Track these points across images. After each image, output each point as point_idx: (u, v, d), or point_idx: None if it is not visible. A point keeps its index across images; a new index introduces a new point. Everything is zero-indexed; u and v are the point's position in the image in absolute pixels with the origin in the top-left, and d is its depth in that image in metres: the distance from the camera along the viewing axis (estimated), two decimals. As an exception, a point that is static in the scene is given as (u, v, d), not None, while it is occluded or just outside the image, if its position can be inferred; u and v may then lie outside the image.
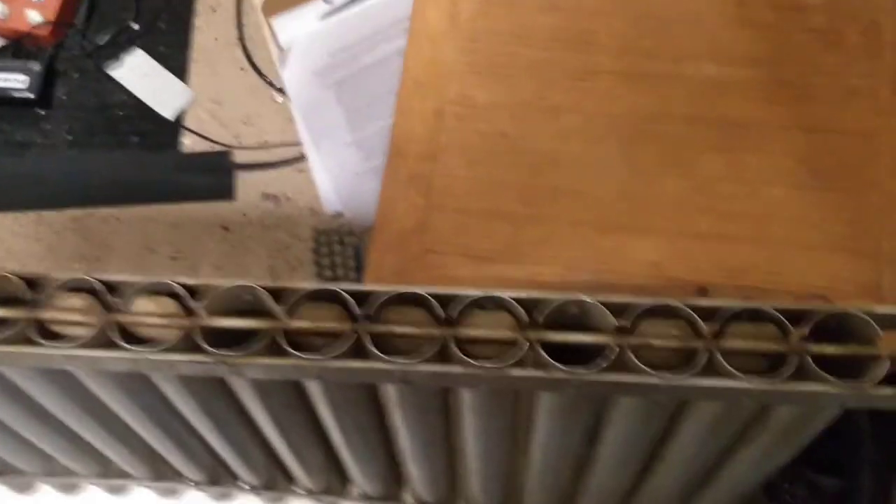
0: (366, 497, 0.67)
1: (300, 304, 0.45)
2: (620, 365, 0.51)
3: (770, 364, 0.53)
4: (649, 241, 0.62)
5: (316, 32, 1.00)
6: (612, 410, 0.54)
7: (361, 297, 0.45)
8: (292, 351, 0.43)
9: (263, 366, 0.45)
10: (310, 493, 0.67)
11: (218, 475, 0.67)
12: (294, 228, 0.67)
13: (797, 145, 0.63)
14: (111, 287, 0.48)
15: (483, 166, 0.65)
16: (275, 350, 0.45)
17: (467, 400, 0.51)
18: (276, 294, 0.45)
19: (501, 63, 0.67)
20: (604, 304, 0.53)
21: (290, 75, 1.04)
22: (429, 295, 0.49)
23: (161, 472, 0.67)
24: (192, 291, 0.47)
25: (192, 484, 0.68)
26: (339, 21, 0.98)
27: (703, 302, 0.53)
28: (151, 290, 0.48)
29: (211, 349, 0.44)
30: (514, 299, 0.52)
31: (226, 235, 0.74)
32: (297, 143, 0.82)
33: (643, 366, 0.51)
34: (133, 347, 0.46)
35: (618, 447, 0.57)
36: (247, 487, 0.67)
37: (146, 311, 0.48)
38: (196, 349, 0.45)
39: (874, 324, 0.52)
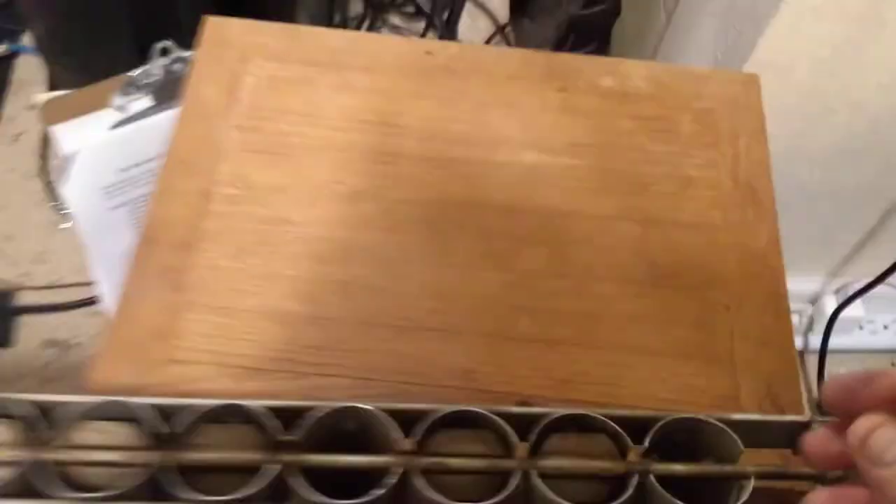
0: None
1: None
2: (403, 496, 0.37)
3: (611, 492, 0.40)
4: (460, 345, 0.50)
5: (104, 143, 0.88)
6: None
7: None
8: None
9: None
10: None
11: None
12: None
13: (630, 238, 0.54)
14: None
15: (256, 257, 0.52)
16: None
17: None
18: None
19: (288, 143, 0.56)
20: (387, 412, 0.40)
21: (73, 192, 0.90)
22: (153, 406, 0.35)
23: None
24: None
25: None
26: (132, 131, 0.86)
27: (516, 410, 0.41)
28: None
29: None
30: (263, 410, 0.38)
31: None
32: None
33: (436, 496, 0.37)
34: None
35: None
36: None
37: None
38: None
39: (733, 434, 0.40)
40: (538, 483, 0.39)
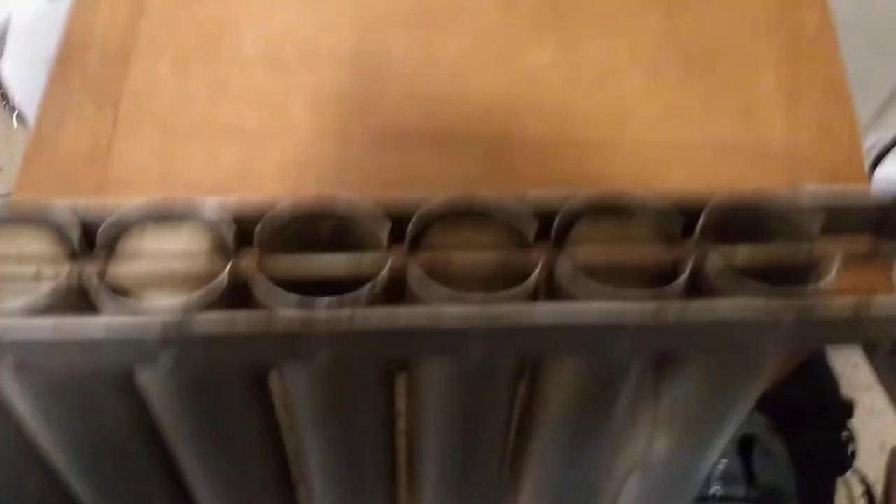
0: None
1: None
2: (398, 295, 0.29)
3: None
4: (455, 153, 0.41)
5: (43, 13, 0.78)
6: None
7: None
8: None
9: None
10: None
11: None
12: None
13: (655, 29, 0.45)
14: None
15: (202, 65, 0.42)
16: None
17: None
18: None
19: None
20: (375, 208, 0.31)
21: (13, 65, 0.81)
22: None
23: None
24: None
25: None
26: None
27: (534, 196, 0.32)
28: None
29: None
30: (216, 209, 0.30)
31: None
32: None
33: (438, 287, 0.28)
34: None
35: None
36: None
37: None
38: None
39: (807, 211, 0.32)
40: (568, 276, 0.30)
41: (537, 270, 0.30)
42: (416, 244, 0.31)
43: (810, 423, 0.80)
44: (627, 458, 0.40)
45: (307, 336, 0.28)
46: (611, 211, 0.32)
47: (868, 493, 0.81)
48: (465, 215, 0.32)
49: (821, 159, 0.41)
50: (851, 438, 0.81)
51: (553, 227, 0.31)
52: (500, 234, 0.32)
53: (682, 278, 0.30)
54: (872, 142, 0.96)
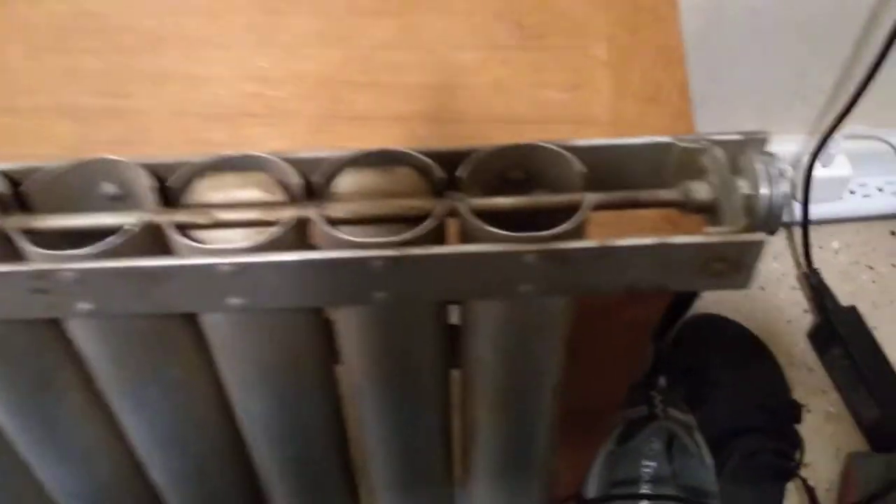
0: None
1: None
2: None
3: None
4: (284, 129, 0.42)
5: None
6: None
7: None
8: None
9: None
10: None
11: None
12: None
13: (493, 0, 0.46)
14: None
15: (53, 53, 0.44)
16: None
17: None
18: None
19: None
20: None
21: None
22: None
23: None
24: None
25: None
26: None
27: (301, 154, 0.33)
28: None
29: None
30: None
31: None
32: None
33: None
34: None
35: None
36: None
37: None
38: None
39: (570, 157, 0.32)
40: (323, 229, 0.31)
41: (287, 228, 0.30)
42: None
43: (754, 426, 0.78)
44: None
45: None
46: (377, 163, 0.33)
47: (812, 500, 0.78)
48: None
49: (645, 125, 0.41)
50: (799, 444, 0.79)
51: (314, 179, 0.32)
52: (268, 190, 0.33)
53: (427, 223, 0.30)
54: (816, 143, 0.94)
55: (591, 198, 0.31)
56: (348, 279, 0.31)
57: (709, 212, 0.32)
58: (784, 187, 0.31)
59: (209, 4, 0.46)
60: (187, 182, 0.32)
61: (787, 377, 0.87)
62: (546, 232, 0.30)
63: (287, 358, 0.36)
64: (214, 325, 0.34)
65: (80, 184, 0.33)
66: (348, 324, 0.34)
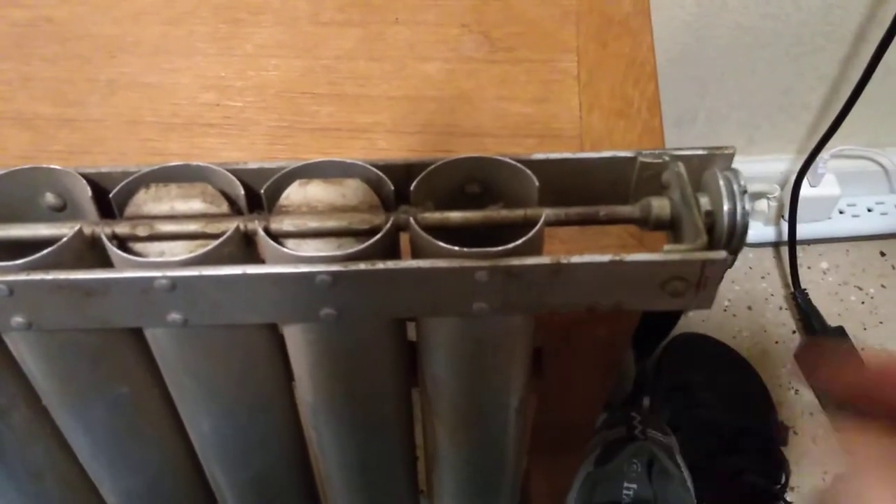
0: None
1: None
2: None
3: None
4: (243, 140, 0.41)
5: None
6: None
7: None
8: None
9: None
10: None
11: None
12: None
13: (461, 11, 0.45)
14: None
15: (8, 62, 0.43)
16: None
17: None
18: None
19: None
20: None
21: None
22: None
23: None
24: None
25: None
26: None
27: (244, 165, 0.32)
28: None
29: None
30: None
31: None
32: None
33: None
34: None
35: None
36: None
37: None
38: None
39: (526, 171, 0.31)
40: (265, 240, 0.29)
41: (234, 242, 0.29)
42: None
43: (738, 448, 0.76)
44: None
45: None
46: (327, 175, 0.31)
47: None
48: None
49: (612, 140, 0.40)
50: (785, 468, 0.77)
51: (262, 191, 0.31)
52: (210, 202, 0.31)
53: (377, 238, 0.29)
54: (805, 159, 0.93)
55: (547, 213, 0.30)
56: (292, 295, 0.29)
57: (669, 228, 0.31)
58: (747, 204, 0.30)
59: (171, 13, 0.45)
60: (130, 193, 0.31)
61: (773, 398, 0.85)
62: (498, 248, 0.29)
63: (235, 375, 0.35)
64: (158, 340, 0.33)
65: (20, 193, 0.32)
66: (296, 341, 0.33)
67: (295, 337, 0.33)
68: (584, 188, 0.33)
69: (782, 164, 0.96)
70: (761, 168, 0.96)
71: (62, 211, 0.33)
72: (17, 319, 0.30)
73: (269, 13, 0.45)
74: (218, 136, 0.41)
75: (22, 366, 0.34)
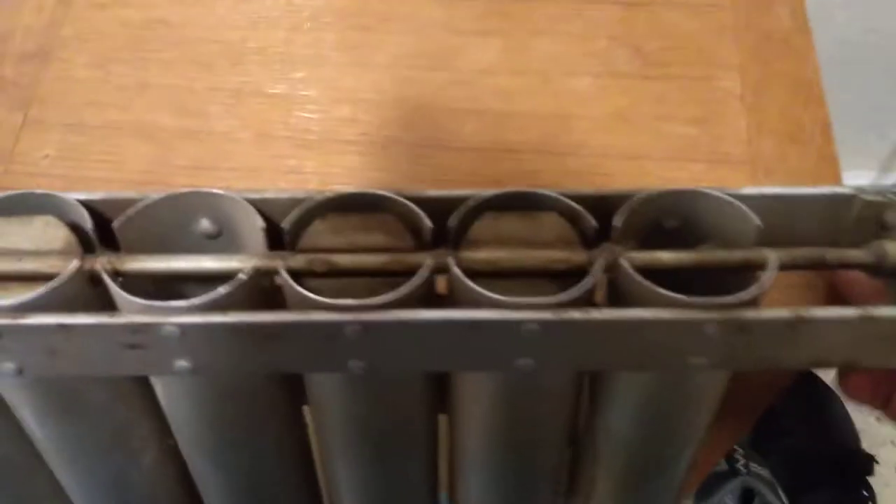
0: None
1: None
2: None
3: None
4: (385, 159, 0.38)
5: None
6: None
7: None
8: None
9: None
10: None
11: None
12: None
13: (608, 23, 0.42)
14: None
15: (122, 65, 0.40)
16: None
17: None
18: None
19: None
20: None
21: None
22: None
23: None
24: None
25: None
26: None
27: (433, 193, 0.29)
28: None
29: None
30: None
31: None
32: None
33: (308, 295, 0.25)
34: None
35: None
36: None
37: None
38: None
39: (742, 208, 0.28)
40: (460, 279, 0.26)
41: (424, 276, 0.26)
42: (293, 242, 0.28)
43: (824, 479, 0.73)
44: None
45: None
46: (517, 208, 0.28)
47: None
48: (355, 213, 0.29)
49: (787, 166, 0.37)
50: (871, 498, 0.74)
51: (451, 223, 0.28)
52: (394, 231, 0.28)
53: (586, 282, 0.26)
54: (892, 180, 0.90)
55: (775, 256, 0.27)
56: (492, 344, 0.26)
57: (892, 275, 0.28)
58: None
59: (294, 18, 0.42)
60: (302, 223, 0.28)
61: (855, 426, 0.82)
62: (727, 298, 0.26)
63: (391, 422, 0.32)
64: (321, 386, 0.30)
65: (173, 219, 0.29)
66: (474, 390, 0.30)
67: (474, 385, 0.30)
68: (792, 228, 0.30)
69: (863, 181, 0.93)
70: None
71: (215, 239, 0.30)
72: (182, 364, 0.27)
73: (400, 19, 0.42)
74: (356, 154, 0.37)
75: (165, 408, 0.31)
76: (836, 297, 0.33)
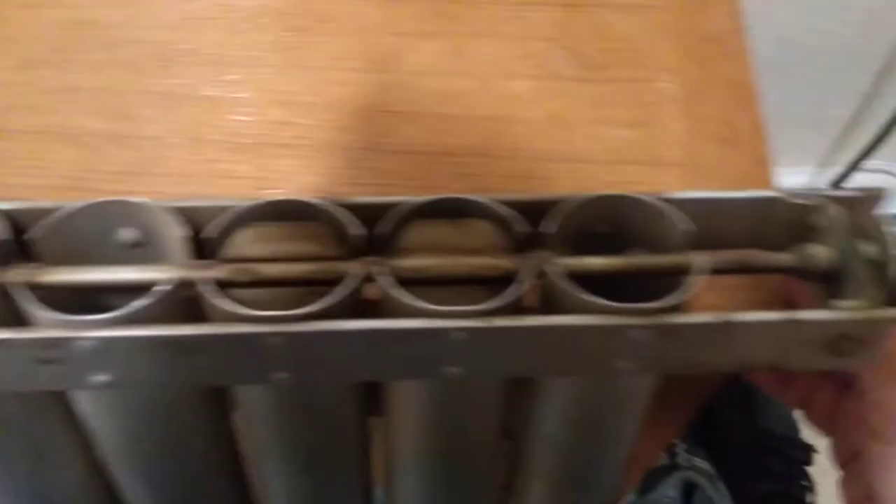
0: None
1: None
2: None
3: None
4: (317, 162, 0.37)
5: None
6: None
7: None
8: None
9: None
10: None
11: None
12: None
13: (547, 25, 0.41)
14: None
15: (48, 68, 0.39)
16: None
17: None
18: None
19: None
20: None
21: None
22: None
23: None
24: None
25: None
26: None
27: (362, 200, 0.28)
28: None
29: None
30: None
31: None
32: None
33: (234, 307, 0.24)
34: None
35: None
36: None
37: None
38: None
39: (673, 213, 0.28)
40: (388, 287, 0.26)
41: (351, 286, 0.26)
42: (215, 250, 0.27)
43: (764, 469, 0.74)
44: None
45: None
46: (448, 214, 0.28)
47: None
48: (284, 220, 0.28)
49: (722, 166, 0.37)
50: (810, 487, 0.75)
51: (380, 229, 0.27)
52: (322, 239, 0.28)
53: (513, 290, 0.26)
54: (833, 176, 0.92)
55: (701, 260, 0.27)
56: (419, 353, 0.26)
57: (828, 280, 0.28)
58: (917, 253, 0.27)
59: (228, 19, 0.41)
60: (226, 232, 0.27)
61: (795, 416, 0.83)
62: (654, 303, 0.25)
63: (309, 431, 0.31)
64: (250, 394, 0.29)
65: (93, 228, 0.28)
66: (410, 398, 0.30)
67: (404, 391, 0.29)
68: (720, 232, 0.30)
69: (802, 177, 0.95)
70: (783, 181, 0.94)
71: (140, 248, 0.29)
72: (99, 378, 0.26)
73: (337, 21, 0.41)
74: (291, 158, 0.37)
75: (88, 421, 0.30)
76: (789, 302, 0.33)
